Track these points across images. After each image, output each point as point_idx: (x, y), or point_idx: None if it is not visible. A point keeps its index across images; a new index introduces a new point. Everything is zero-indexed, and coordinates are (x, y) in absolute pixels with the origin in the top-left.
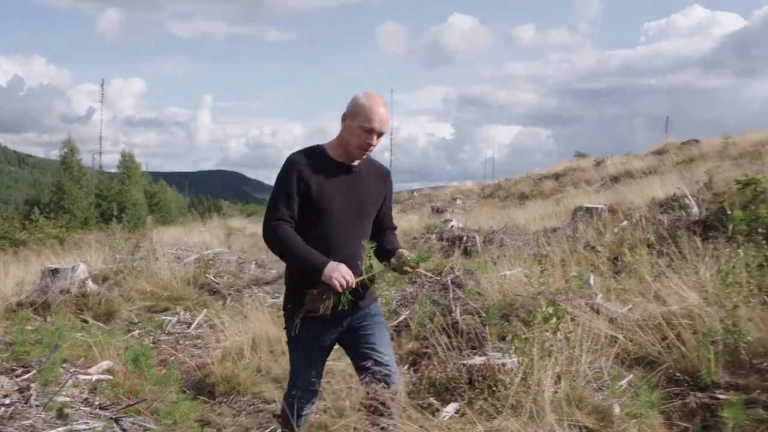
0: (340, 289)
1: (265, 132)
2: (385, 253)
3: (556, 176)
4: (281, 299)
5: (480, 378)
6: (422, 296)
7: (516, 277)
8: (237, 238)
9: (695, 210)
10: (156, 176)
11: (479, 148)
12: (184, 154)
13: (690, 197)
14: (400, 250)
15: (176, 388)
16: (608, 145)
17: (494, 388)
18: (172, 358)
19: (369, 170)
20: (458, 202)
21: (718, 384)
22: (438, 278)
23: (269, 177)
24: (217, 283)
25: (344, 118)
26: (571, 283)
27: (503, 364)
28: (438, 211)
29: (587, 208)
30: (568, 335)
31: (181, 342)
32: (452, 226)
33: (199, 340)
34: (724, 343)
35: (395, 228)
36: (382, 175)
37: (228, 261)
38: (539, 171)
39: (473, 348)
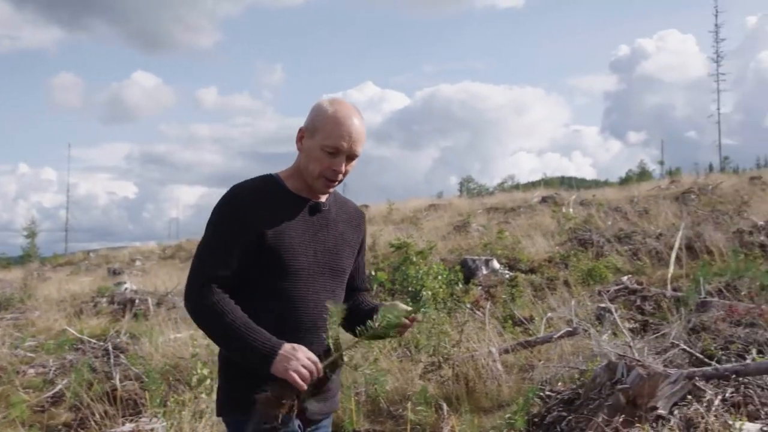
0: (302, 386)
1: None
2: (364, 315)
3: None
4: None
5: None
6: (81, 363)
7: (183, 340)
8: None
9: None
10: None
11: (164, 207)
12: None
13: None
14: (383, 304)
15: None
16: None
17: None
18: None
19: (341, 211)
20: (137, 263)
21: None
22: (102, 344)
23: None
24: None
25: (300, 135)
26: None
27: (152, 429)
28: (115, 273)
29: None
30: None
31: None
32: (126, 289)
33: None
34: (366, 393)
35: (369, 290)
36: (356, 218)
37: None
38: None
39: (131, 415)
